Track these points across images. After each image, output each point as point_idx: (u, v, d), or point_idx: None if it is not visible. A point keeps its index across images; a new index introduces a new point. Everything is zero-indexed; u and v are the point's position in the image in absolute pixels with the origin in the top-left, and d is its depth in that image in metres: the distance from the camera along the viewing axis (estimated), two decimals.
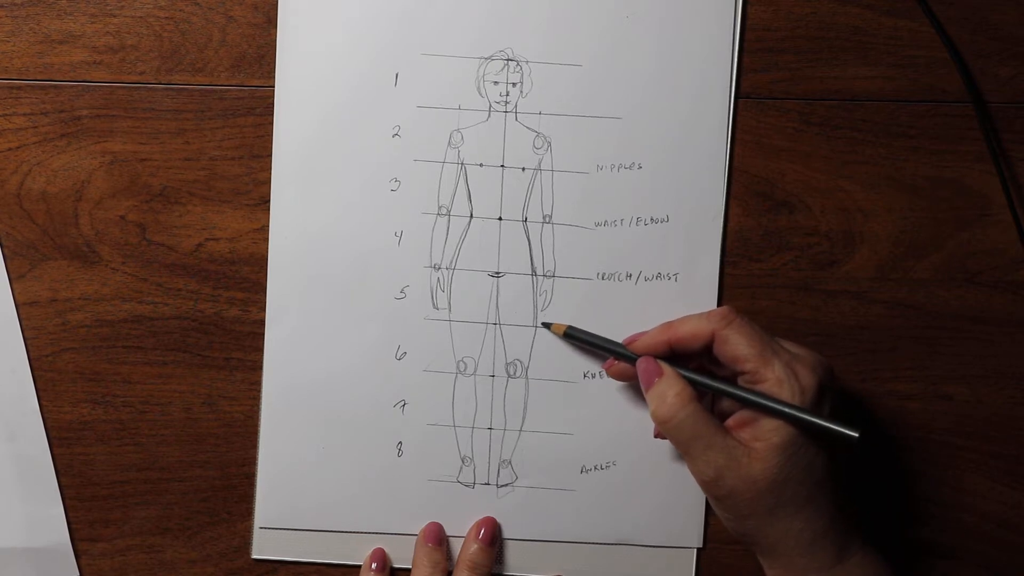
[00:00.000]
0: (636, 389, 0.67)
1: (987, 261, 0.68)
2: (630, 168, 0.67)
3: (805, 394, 0.59)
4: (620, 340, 0.65)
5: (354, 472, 0.68)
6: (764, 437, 0.59)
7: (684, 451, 0.61)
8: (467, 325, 0.68)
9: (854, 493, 0.67)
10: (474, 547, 0.67)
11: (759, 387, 0.60)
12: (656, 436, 0.66)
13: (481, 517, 0.68)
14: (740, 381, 0.61)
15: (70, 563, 0.69)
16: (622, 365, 0.65)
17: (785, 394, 0.59)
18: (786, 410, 0.59)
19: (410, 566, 0.68)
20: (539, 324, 0.67)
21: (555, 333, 0.67)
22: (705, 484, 0.60)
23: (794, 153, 0.67)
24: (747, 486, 0.59)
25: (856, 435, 0.58)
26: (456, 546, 0.68)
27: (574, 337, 0.66)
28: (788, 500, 0.59)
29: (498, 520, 0.68)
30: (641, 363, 0.63)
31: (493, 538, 0.68)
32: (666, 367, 0.62)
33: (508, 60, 0.66)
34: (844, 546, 0.60)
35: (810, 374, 0.59)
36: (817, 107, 0.67)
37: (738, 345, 0.60)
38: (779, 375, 0.59)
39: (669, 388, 0.61)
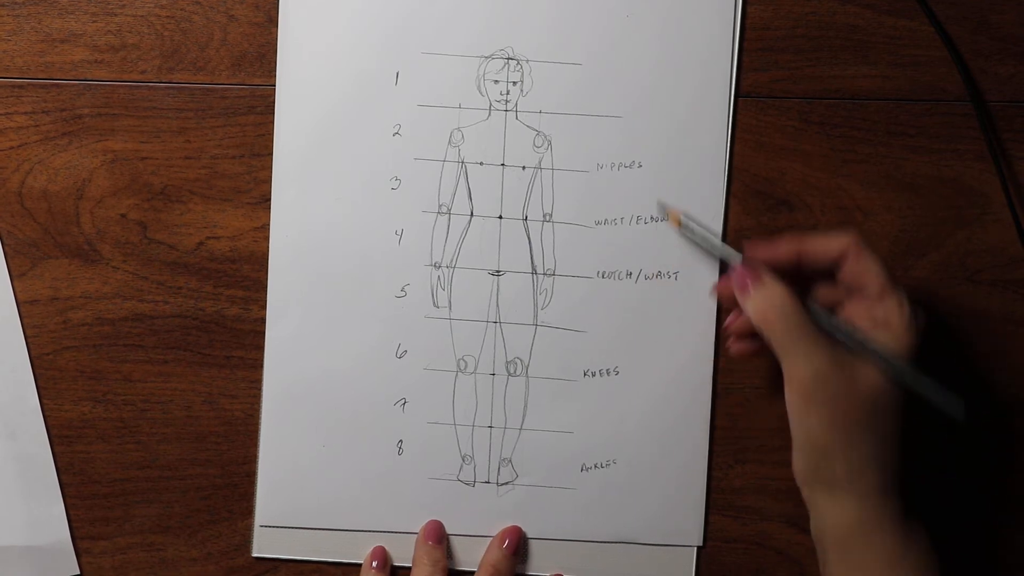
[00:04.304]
0: (635, 388, 0.67)
1: (987, 260, 0.68)
2: (630, 167, 0.67)
3: (918, 336, 0.59)
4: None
5: (354, 470, 0.68)
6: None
7: (788, 350, 0.59)
8: (467, 323, 0.68)
9: None
10: (498, 553, 0.67)
11: (879, 313, 0.60)
12: (735, 351, 0.65)
13: (508, 525, 0.68)
14: (851, 305, 0.61)
15: (71, 561, 0.69)
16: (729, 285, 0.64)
17: (909, 332, 0.59)
18: (897, 366, 0.59)
19: (410, 564, 0.68)
20: (655, 216, 0.66)
21: (671, 222, 0.66)
22: (809, 383, 0.59)
23: (794, 152, 0.68)
24: (853, 381, 0.59)
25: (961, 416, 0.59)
26: (456, 545, 0.68)
27: (688, 228, 0.65)
28: (886, 415, 0.59)
29: (498, 519, 0.68)
30: (743, 265, 0.62)
31: (517, 548, 0.68)
32: (766, 273, 0.61)
33: (508, 59, 0.66)
34: (908, 503, 0.60)
35: (923, 317, 0.60)
36: (817, 106, 0.67)
37: (872, 264, 0.60)
38: (905, 309, 0.60)
39: (775, 286, 0.60)
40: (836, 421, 0.59)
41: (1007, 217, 0.67)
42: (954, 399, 0.59)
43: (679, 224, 0.65)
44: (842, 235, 0.62)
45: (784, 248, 0.62)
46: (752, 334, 0.63)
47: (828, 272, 0.63)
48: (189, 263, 0.68)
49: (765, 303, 0.60)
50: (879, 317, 0.60)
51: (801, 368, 0.59)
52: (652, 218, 0.67)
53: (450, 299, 0.67)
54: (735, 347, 0.65)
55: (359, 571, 0.69)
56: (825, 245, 0.62)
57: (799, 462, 0.61)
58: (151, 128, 0.67)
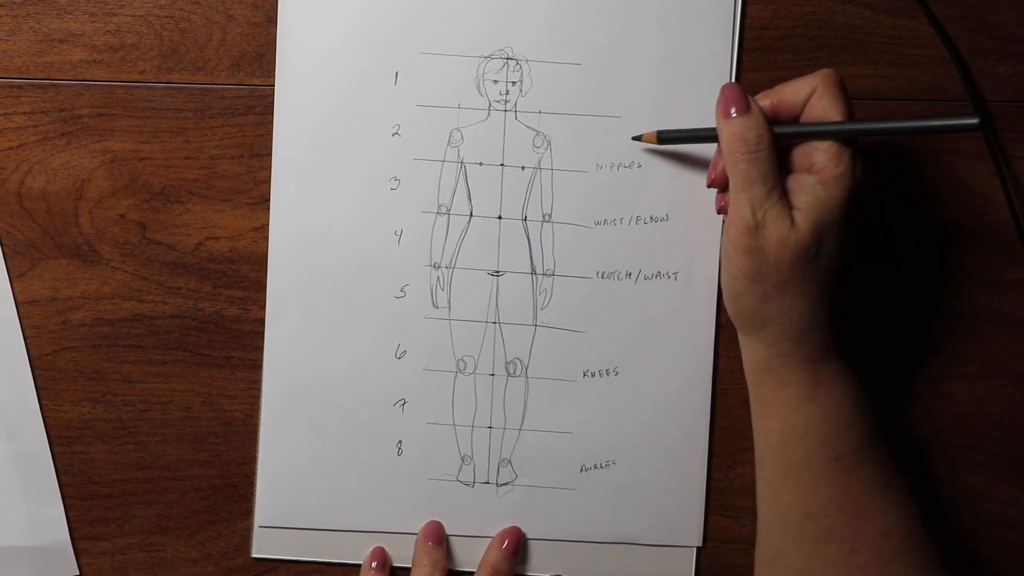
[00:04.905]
0: (635, 389, 0.67)
1: (987, 260, 0.68)
2: (630, 167, 0.67)
3: (849, 191, 0.59)
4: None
5: (354, 471, 0.68)
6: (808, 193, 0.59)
7: (740, 187, 0.59)
8: (467, 324, 0.68)
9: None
10: (497, 554, 0.67)
11: (817, 158, 0.59)
12: (709, 185, 0.64)
13: (508, 526, 0.68)
14: (798, 146, 0.60)
15: (70, 562, 0.69)
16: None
17: (838, 184, 0.58)
18: (900, 124, 0.59)
19: (410, 565, 0.68)
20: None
21: (648, 142, 0.65)
22: (742, 231, 0.58)
23: None
24: (780, 242, 0.58)
25: (976, 122, 0.56)
26: (456, 545, 0.68)
27: (669, 140, 0.65)
28: (804, 277, 0.58)
29: (498, 520, 0.68)
30: (737, 88, 0.60)
31: (517, 549, 0.68)
32: (754, 104, 0.60)
33: (508, 59, 0.66)
34: (827, 348, 0.60)
35: (862, 173, 0.59)
36: None
37: (835, 104, 0.59)
38: (845, 159, 0.58)
39: (757, 122, 0.59)
40: (752, 273, 0.59)
41: (1007, 217, 0.67)
42: (960, 117, 0.57)
43: (657, 139, 0.65)
44: (816, 75, 0.60)
45: (764, 104, 0.61)
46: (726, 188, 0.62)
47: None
48: (188, 263, 0.68)
49: (740, 135, 0.59)
50: (816, 163, 0.59)
51: (741, 213, 0.59)
52: (652, 218, 0.67)
53: (449, 299, 0.67)
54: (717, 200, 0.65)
55: (359, 572, 0.69)
56: (795, 88, 0.60)
57: (725, 299, 0.62)
58: (150, 128, 0.67)
